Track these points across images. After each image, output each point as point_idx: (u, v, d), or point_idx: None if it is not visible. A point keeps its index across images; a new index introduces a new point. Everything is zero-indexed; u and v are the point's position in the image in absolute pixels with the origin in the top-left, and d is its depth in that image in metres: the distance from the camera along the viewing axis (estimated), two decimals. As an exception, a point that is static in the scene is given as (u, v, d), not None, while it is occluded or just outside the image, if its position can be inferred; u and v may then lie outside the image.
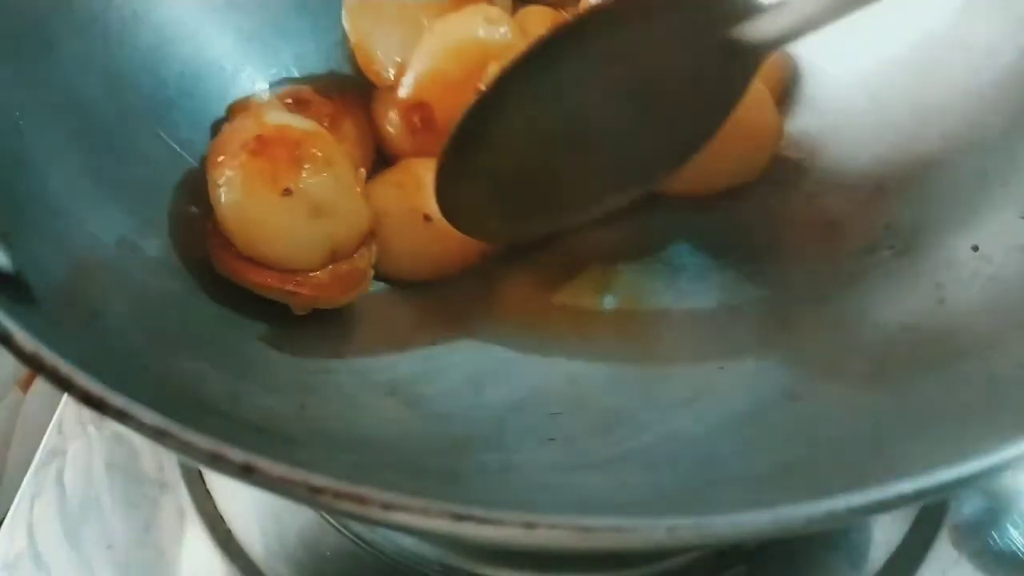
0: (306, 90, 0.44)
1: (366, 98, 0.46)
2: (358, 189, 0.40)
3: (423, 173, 0.42)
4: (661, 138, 0.42)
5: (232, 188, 0.37)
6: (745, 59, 0.39)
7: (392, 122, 0.45)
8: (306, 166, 0.37)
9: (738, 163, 0.44)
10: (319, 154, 0.38)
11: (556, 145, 0.41)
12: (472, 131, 0.38)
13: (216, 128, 0.42)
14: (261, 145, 0.37)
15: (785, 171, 0.46)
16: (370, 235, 0.40)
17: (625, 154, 0.42)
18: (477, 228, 0.41)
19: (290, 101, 0.44)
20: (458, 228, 0.40)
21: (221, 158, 0.38)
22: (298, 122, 0.39)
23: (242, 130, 0.38)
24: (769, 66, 0.45)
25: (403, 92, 0.44)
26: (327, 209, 0.37)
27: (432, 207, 0.40)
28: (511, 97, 0.38)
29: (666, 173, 0.43)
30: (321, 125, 0.41)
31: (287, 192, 0.36)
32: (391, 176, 0.44)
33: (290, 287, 0.37)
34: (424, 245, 0.41)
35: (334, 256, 0.38)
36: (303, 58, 0.48)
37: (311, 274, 0.37)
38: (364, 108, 0.46)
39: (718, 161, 0.42)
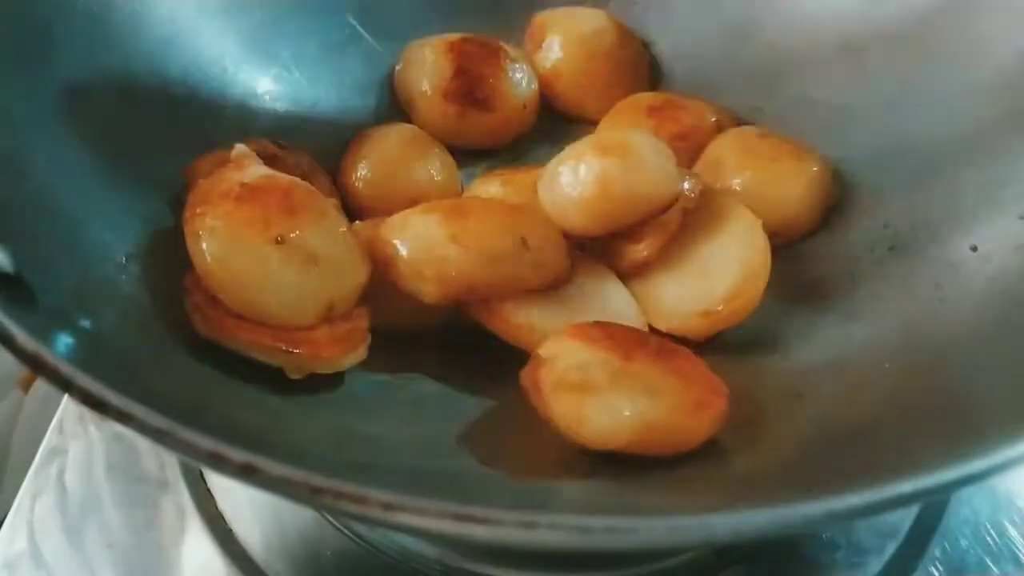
0: (271, 146, 0.42)
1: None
2: (354, 242, 0.37)
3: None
4: None
5: (217, 238, 0.34)
6: None
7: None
8: (298, 214, 0.35)
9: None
10: (311, 203, 0.36)
11: None
12: None
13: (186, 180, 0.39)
14: (248, 192, 0.34)
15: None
16: (367, 293, 0.37)
17: None
18: None
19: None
20: None
21: (200, 209, 0.35)
22: (284, 175, 0.37)
23: (223, 180, 0.35)
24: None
25: None
26: (322, 259, 0.35)
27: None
28: None
29: None
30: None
31: (279, 240, 0.34)
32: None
33: (284, 346, 0.33)
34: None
35: (330, 312, 0.35)
36: (302, 57, 0.48)
37: (308, 332, 0.34)
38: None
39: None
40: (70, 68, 0.38)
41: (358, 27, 0.51)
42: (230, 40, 0.46)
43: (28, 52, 0.37)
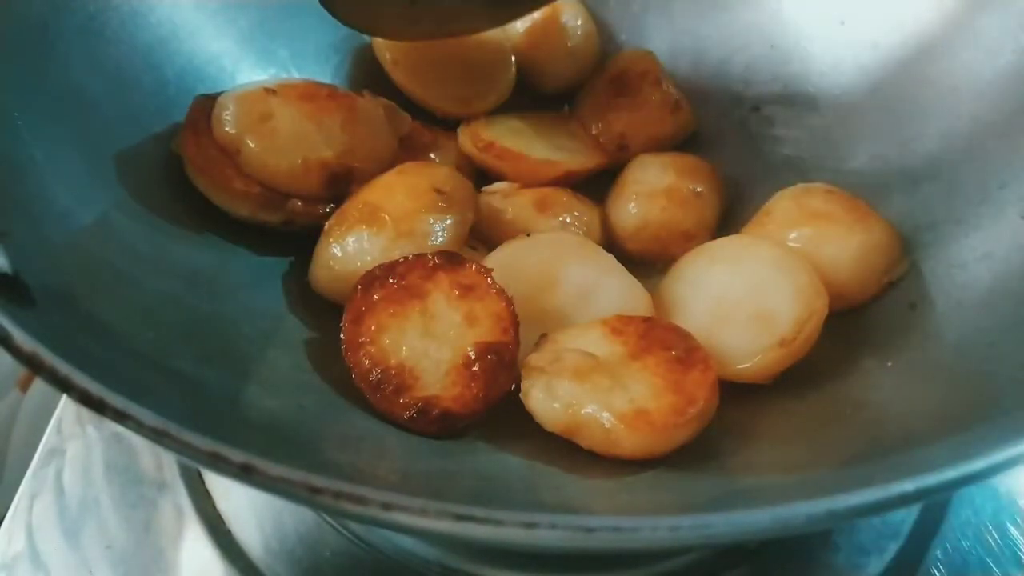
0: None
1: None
2: None
3: None
4: None
5: None
6: None
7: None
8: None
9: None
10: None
11: None
12: None
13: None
14: None
15: (785, 170, 0.46)
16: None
17: None
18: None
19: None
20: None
21: None
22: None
23: None
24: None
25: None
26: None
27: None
28: None
29: None
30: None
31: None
32: None
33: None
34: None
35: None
36: (300, 57, 0.48)
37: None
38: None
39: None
40: (67, 67, 0.38)
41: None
42: (228, 39, 0.46)
43: (26, 50, 0.37)
